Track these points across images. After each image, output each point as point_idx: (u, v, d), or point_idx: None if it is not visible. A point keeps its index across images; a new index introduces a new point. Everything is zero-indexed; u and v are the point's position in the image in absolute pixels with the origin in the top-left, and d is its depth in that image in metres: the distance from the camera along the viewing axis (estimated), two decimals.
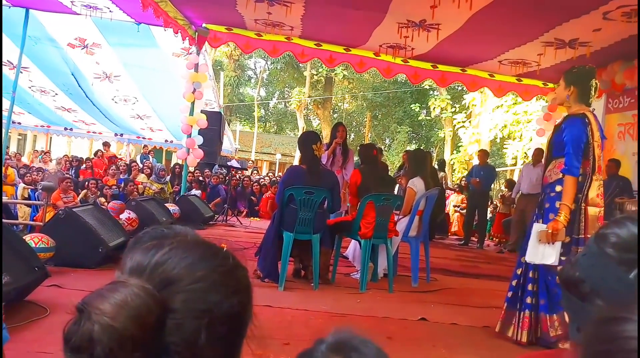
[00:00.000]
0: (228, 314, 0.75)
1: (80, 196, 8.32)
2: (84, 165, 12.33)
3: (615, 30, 6.10)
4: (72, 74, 11.29)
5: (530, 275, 3.26)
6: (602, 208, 3.26)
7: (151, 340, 0.68)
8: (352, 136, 32.72)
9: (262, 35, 7.96)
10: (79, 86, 11.83)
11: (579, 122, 3.19)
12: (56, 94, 12.31)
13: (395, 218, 5.13)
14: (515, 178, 16.16)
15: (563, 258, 3.07)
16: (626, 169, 7.46)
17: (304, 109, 27.46)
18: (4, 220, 4.52)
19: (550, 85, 8.95)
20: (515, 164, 17.35)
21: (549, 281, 3.18)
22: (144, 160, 13.70)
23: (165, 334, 0.70)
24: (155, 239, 0.83)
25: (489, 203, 10.63)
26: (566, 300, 0.95)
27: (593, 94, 3.28)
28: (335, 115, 30.63)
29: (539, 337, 3.22)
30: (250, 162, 18.14)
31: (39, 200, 7.69)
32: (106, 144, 14.26)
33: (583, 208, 3.20)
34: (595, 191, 3.23)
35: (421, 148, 24.66)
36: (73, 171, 11.88)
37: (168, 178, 11.30)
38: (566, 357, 0.65)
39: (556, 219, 3.08)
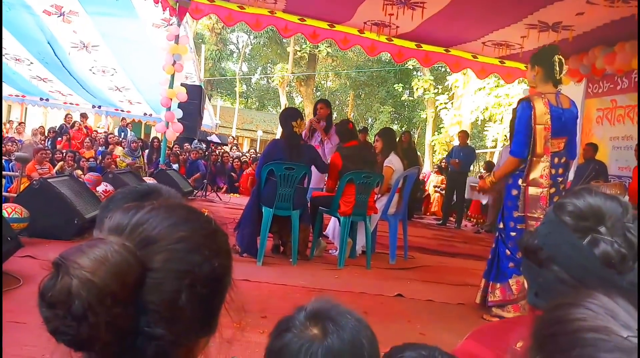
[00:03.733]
0: (209, 276, 0.74)
1: (56, 168, 8.17)
2: (61, 137, 12.08)
3: (598, 15, 6.14)
4: (48, 43, 10.98)
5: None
6: (546, 188, 3.38)
7: (130, 297, 0.67)
8: (335, 114, 32.61)
9: (245, 8, 7.80)
10: (55, 55, 11.51)
11: (522, 106, 3.39)
12: (31, 62, 11.96)
13: (375, 197, 5.14)
14: (495, 160, 16.38)
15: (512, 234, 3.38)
16: (603, 154, 7.60)
17: (287, 86, 27.23)
18: None
19: None
20: (495, 147, 17.54)
21: (500, 252, 3.42)
22: (122, 133, 13.49)
23: (144, 293, 0.69)
24: (128, 198, 0.81)
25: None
26: (525, 266, 0.98)
27: (558, 70, 3.35)
28: (318, 93, 30.46)
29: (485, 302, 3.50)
30: (231, 138, 17.97)
31: (13, 171, 7.52)
32: (84, 116, 13.96)
33: (523, 187, 3.38)
34: (539, 172, 3.38)
35: (402, 128, 24.78)
36: (49, 142, 11.62)
37: (146, 151, 11.15)
38: (523, 324, 0.67)
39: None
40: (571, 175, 7.77)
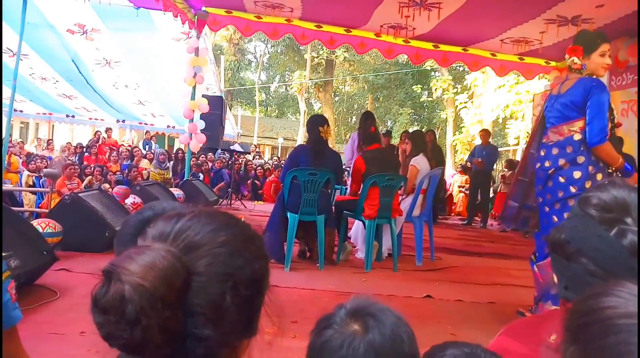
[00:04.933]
0: (250, 278, 0.78)
1: (85, 182, 8.35)
2: (88, 151, 12.35)
3: (618, 7, 6.05)
4: (73, 61, 11.25)
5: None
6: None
7: (178, 300, 0.71)
8: (354, 119, 32.64)
9: (262, 18, 7.90)
10: (80, 73, 11.80)
11: None
12: (57, 81, 12.28)
13: (400, 198, 5.15)
14: (518, 158, 16.16)
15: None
16: (630, 147, 7.44)
17: (305, 92, 27.34)
18: (10, 207, 4.56)
19: (553, 63, 8.88)
20: (517, 144, 17.30)
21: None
22: (147, 146, 13.71)
23: (191, 296, 0.72)
24: (155, 215, 0.85)
25: (492, 183, 10.66)
26: (554, 261, 0.99)
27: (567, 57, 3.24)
28: (336, 98, 30.53)
29: None
30: (253, 146, 18.12)
31: (43, 187, 7.72)
32: (108, 131, 14.25)
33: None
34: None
35: (422, 129, 24.63)
36: (77, 157, 11.90)
37: (171, 163, 11.32)
38: (556, 318, 0.69)
39: None
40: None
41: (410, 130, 9.64)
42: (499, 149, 12.61)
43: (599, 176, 3.00)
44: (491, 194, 10.55)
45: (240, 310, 0.76)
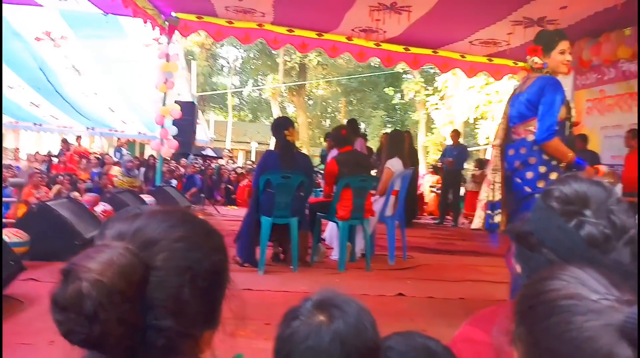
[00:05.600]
0: (208, 271, 0.79)
1: (53, 191, 8.18)
2: (57, 159, 12.10)
3: (581, 8, 6.22)
4: (40, 69, 11.05)
5: None
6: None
7: (137, 294, 0.72)
8: (328, 122, 32.75)
9: (233, 23, 7.88)
10: (48, 81, 11.59)
11: None
12: (24, 89, 12.03)
13: (372, 199, 5.19)
14: (488, 157, 16.41)
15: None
16: (594, 144, 7.66)
17: (279, 96, 27.33)
18: None
19: (520, 64, 9.08)
20: (487, 144, 17.61)
21: None
22: (118, 153, 13.52)
23: (150, 290, 0.74)
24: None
25: (463, 182, 10.83)
26: (519, 252, 1.03)
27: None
28: (310, 102, 30.59)
29: None
30: (226, 151, 18.02)
31: (10, 197, 7.53)
32: (78, 138, 14.02)
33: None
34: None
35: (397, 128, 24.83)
36: (45, 166, 11.65)
37: (142, 170, 11.18)
38: (505, 311, 0.74)
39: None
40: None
41: (382, 132, 9.77)
42: (470, 149, 12.83)
43: (553, 175, 3.06)
44: (462, 194, 10.70)
45: (200, 302, 0.78)
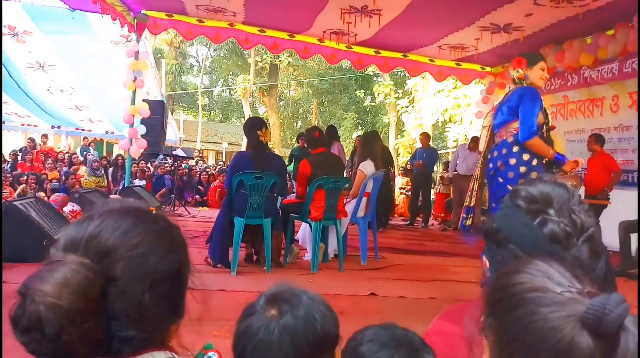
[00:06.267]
0: (167, 272, 0.80)
1: (18, 191, 7.99)
2: (23, 158, 11.74)
3: (545, 15, 6.43)
4: (3, 65, 10.72)
5: None
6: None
7: (98, 309, 0.72)
8: (300, 123, 32.75)
9: (204, 22, 7.84)
10: (11, 77, 11.26)
11: None
12: None
13: (345, 200, 5.24)
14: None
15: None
16: (559, 148, 7.89)
17: (250, 96, 27.20)
18: None
19: (488, 69, 9.31)
20: (456, 147, 17.92)
21: None
22: (85, 152, 13.23)
23: (111, 301, 0.74)
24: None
25: (433, 184, 11.01)
26: (487, 248, 1.09)
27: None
28: (281, 102, 30.53)
29: None
30: (196, 151, 17.84)
31: None
32: (44, 137, 13.64)
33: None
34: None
35: (368, 131, 25.02)
36: (9, 165, 11.31)
37: (110, 169, 10.98)
38: (476, 305, 0.79)
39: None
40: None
41: (355, 134, 9.83)
42: (439, 152, 13.03)
43: (533, 175, 3.27)
44: (432, 196, 10.87)
45: (161, 304, 0.78)
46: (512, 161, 3.40)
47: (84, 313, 0.70)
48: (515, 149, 3.41)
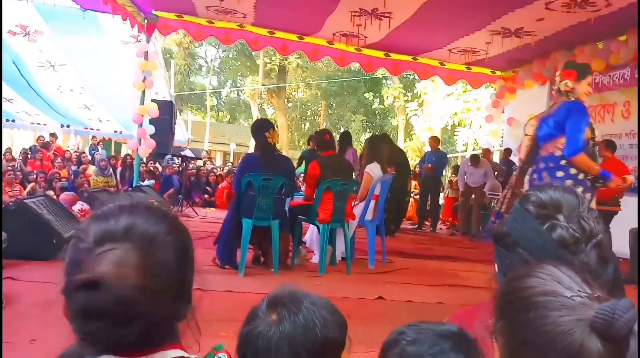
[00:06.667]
0: (189, 257, 0.86)
1: (27, 189, 8.04)
2: (33, 156, 11.82)
3: (557, 20, 6.40)
4: (14, 63, 10.81)
5: None
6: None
7: (160, 288, 0.77)
8: (307, 125, 32.76)
9: (213, 23, 7.87)
10: (21, 75, 11.33)
11: None
12: None
13: (352, 203, 5.23)
14: None
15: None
16: None
17: (258, 98, 27.25)
18: None
19: (498, 73, 9.27)
20: (465, 151, 17.86)
21: None
22: (93, 151, 13.30)
23: (161, 281, 0.78)
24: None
25: (442, 189, 10.97)
26: (496, 252, 1.11)
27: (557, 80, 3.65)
28: (289, 104, 30.56)
29: None
30: (204, 152, 17.88)
31: None
32: (53, 136, 13.73)
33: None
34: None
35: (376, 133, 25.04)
36: (19, 164, 11.36)
37: (118, 169, 11.03)
38: (485, 308, 0.79)
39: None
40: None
41: (363, 137, 9.82)
42: (448, 156, 13.00)
43: (579, 189, 3.28)
44: (441, 201, 10.84)
45: (185, 284, 0.83)
46: (559, 173, 3.44)
47: (163, 292, 0.75)
48: (562, 162, 3.46)
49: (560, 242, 0.98)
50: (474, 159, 9.01)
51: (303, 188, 5.71)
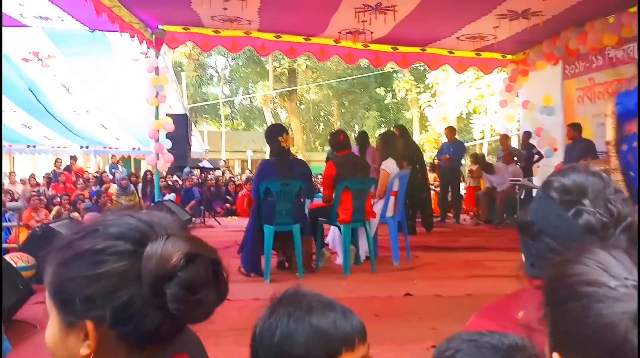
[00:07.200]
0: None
1: (53, 213, 8.17)
2: (56, 180, 12.03)
3: None
4: (30, 90, 11.02)
5: None
6: None
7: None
8: (322, 125, 32.77)
9: (220, 32, 7.91)
10: (38, 101, 11.55)
11: None
12: (15, 111, 11.98)
13: (372, 201, 5.20)
14: (484, 151, 16.49)
15: None
16: (588, 132, 7.71)
17: (270, 103, 27.34)
18: None
19: (509, 56, 9.15)
20: (483, 138, 17.66)
21: None
22: (113, 170, 13.48)
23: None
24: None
25: (461, 179, 10.86)
26: (521, 241, 1.08)
27: None
28: (302, 106, 30.60)
29: None
30: (222, 162, 18.01)
31: (9, 221, 7.52)
32: (73, 159, 13.95)
33: None
34: None
35: (390, 129, 24.92)
36: (43, 188, 11.58)
37: (139, 186, 11.16)
38: (523, 296, 0.76)
39: None
40: (561, 157, 7.91)
41: (378, 133, 9.76)
42: (466, 145, 12.86)
43: None
44: (462, 191, 10.72)
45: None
46: None
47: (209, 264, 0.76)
48: None
49: (587, 228, 0.95)
50: (487, 169, 9.11)
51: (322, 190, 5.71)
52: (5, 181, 13.19)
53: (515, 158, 9.04)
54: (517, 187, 8.46)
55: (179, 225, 0.82)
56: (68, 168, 12.99)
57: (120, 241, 0.75)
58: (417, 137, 20.70)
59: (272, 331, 0.91)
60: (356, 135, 8.74)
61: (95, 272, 0.73)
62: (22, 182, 12.79)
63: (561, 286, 0.70)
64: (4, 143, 14.14)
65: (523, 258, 1.09)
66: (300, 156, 21.60)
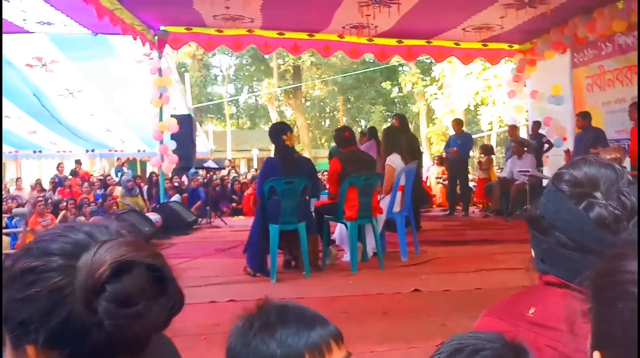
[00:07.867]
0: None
1: (59, 217, 8.17)
2: (62, 184, 12.06)
3: None
4: (34, 95, 11.05)
5: None
6: None
7: None
8: (328, 122, 32.68)
9: (223, 31, 7.86)
10: (43, 106, 11.59)
11: None
12: (20, 117, 12.01)
13: (378, 197, 5.13)
14: (492, 143, 16.34)
15: None
16: (597, 121, 7.58)
17: (275, 101, 27.29)
18: None
19: (516, 46, 9.02)
20: (491, 130, 17.50)
21: None
22: (119, 173, 13.49)
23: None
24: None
25: (470, 171, 10.73)
26: (531, 236, 1.04)
27: None
28: (307, 103, 30.53)
29: None
30: (227, 161, 17.98)
31: (16, 227, 7.51)
32: (78, 162, 13.97)
33: None
34: None
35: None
36: (50, 193, 11.59)
37: (145, 187, 11.15)
38: (533, 293, 0.69)
39: None
40: (571, 146, 7.78)
41: (384, 127, 9.65)
42: (474, 136, 12.74)
43: None
44: (471, 184, 10.59)
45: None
46: None
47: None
48: None
49: (599, 221, 0.91)
50: (521, 147, 8.65)
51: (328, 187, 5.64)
52: (12, 187, 13.25)
53: (525, 149, 8.90)
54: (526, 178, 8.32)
55: (129, 229, 0.73)
56: (74, 173, 13.00)
57: (54, 257, 0.67)
58: (424, 130, 20.57)
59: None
60: (365, 130, 8.62)
61: (27, 293, 0.66)
62: (32, 188, 12.81)
63: (609, 284, 0.62)
64: (11, 149, 14.21)
65: (533, 254, 1.06)
66: (306, 154, 21.58)
